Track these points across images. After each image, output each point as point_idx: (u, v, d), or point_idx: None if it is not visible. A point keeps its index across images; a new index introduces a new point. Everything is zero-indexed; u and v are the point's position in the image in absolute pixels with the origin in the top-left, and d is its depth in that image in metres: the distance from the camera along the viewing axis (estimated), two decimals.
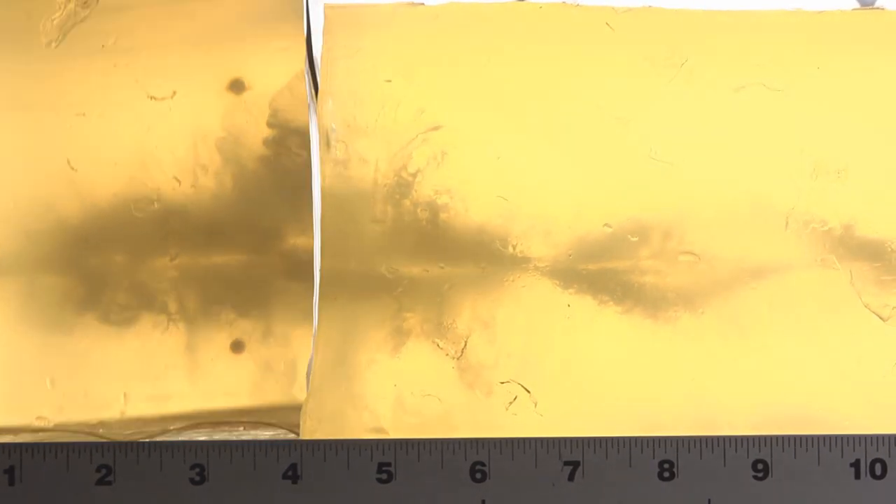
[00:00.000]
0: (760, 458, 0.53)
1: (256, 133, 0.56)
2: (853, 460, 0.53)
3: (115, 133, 0.56)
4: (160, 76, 0.56)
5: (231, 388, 0.56)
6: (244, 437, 0.55)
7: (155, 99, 0.55)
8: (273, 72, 0.56)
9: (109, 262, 0.56)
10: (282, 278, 0.56)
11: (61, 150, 0.56)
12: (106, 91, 0.56)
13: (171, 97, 0.55)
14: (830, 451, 0.53)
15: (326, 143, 0.56)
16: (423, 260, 0.56)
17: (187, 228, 0.56)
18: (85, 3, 0.55)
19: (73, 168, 0.55)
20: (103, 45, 0.55)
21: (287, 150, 0.56)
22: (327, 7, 0.56)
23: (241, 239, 0.56)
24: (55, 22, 0.56)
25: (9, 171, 0.56)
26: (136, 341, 0.56)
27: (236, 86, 0.56)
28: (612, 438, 0.54)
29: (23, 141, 0.56)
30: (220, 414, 0.55)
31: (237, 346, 0.56)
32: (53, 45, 0.55)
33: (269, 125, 0.56)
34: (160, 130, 0.56)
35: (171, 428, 0.55)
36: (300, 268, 0.56)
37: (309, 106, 0.56)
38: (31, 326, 0.56)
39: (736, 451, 0.53)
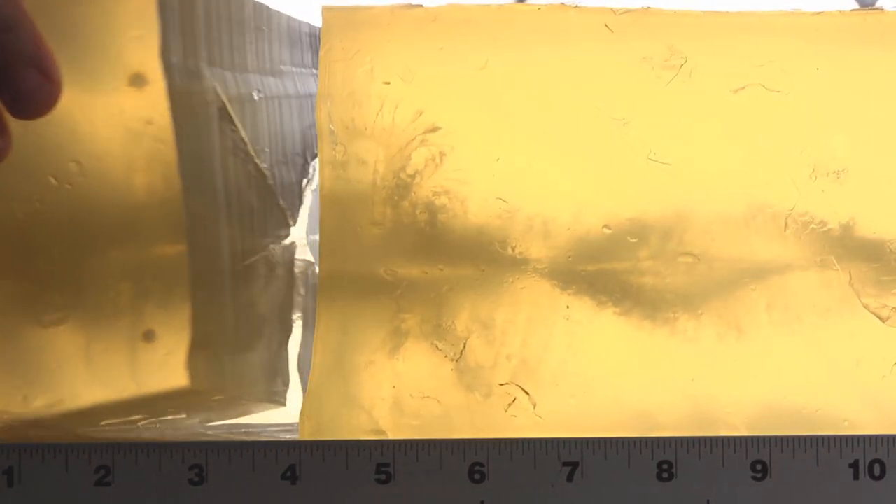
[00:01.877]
0: (759, 458, 0.53)
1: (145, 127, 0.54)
2: (852, 461, 0.53)
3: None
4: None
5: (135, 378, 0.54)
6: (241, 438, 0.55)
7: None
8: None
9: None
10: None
11: None
12: None
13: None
14: (829, 451, 0.53)
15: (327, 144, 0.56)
16: (422, 261, 0.56)
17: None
18: None
19: None
20: None
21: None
22: (325, 9, 0.56)
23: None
24: None
25: None
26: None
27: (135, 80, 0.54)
28: (610, 439, 0.54)
29: None
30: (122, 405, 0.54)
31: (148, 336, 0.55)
32: None
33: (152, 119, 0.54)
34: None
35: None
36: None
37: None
38: None
39: (735, 451, 0.53)
